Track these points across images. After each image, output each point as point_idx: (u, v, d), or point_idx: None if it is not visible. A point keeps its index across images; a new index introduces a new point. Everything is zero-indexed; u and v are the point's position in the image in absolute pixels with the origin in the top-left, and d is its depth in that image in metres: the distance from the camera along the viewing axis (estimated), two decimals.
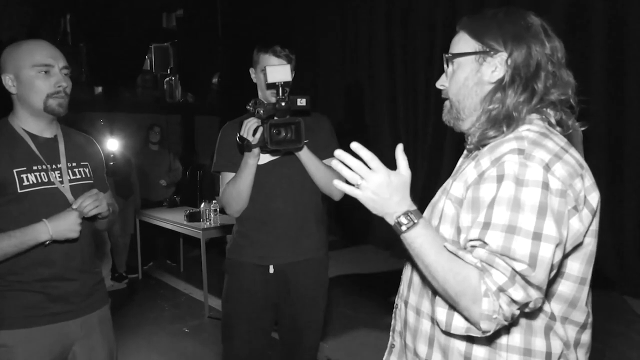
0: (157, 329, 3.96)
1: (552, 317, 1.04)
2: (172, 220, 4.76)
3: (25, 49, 1.59)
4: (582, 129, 1.12)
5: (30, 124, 1.63)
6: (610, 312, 3.78)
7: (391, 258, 5.59)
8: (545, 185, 0.93)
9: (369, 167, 1.00)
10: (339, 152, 1.02)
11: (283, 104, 1.85)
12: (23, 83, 1.57)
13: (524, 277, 0.91)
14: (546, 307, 1.03)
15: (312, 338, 2.19)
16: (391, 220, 1.01)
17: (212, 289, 4.27)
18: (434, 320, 1.09)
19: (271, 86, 1.91)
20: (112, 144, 5.15)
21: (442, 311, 1.01)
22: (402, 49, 5.90)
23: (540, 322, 1.03)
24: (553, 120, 1.07)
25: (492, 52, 1.07)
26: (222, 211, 5.61)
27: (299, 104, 1.89)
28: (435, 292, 1.03)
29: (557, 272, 1.00)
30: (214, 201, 4.63)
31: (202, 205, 4.57)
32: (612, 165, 4.30)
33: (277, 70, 1.87)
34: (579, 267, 1.05)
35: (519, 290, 0.91)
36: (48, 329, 1.59)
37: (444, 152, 5.34)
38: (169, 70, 8.40)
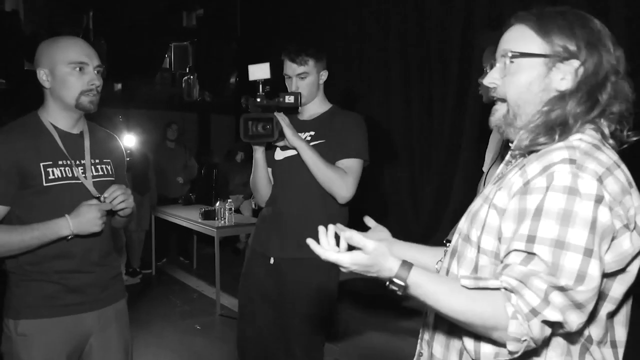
0: (169, 325, 4.00)
1: (589, 339, 0.98)
2: (187, 217, 4.80)
3: (62, 45, 1.62)
4: (635, 139, 1.03)
5: (59, 119, 1.65)
6: None
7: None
8: (599, 199, 0.87)
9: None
10: (321, 229, 1.03)
11: (259, 99, 2.00)
12: (57, 78, 1.60)
13: (568, 295, 0.85)
14: (585, 331, 0.97)
15: (299, 337, 2.13)
16: (388, 276, 0.96)
17: (224, 287, 4.30)
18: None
19: (252, 83, 2.03)
20: (129, 140, 5.20)
21: (469, 341, 0.97)
22: (416, 52, 5.85)
23: (577, 344, 0.97)
24: (607, 132, 0.99)
25: (565, 57, 0.97)
26: (237, 210, 5.64)
27: (287, 101, 2.01)
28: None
29: (599, 295, 0.93)
30: (229, 200, 4.66)
31: (217, 203, 4.60)
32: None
33: (257, 68, 1.98)
34: (622, 289, 0.98)
35: (555, 311, 0.85)
36: (65, 320, 1.61)
37: (459, 158, 5.29)
38: (187, 69, 8.46)
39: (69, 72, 1.60)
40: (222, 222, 4.48)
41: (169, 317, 4.19)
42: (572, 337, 0.96)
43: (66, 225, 1.54)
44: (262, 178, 2.19)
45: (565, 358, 0.97)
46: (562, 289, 0.86)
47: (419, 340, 1.23)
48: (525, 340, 0.86)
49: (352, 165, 2.07)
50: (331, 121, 2.14)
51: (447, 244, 1.18)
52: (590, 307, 0.88)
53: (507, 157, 1.10)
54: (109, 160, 1.76)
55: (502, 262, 0.95)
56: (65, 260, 1.61)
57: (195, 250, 5.72)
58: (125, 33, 7.21)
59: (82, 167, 1.66)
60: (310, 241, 1.01)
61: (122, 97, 7.62)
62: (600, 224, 0.87)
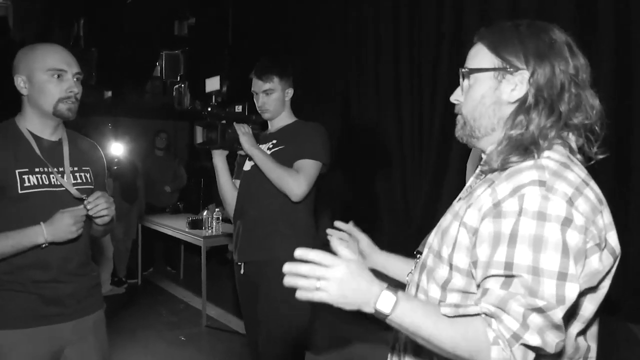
0: (154, 336, 3.94)
1: (561, 358, 0.97)
2: (174, 226, 4.76)
3: (39, 52, 1.60)
4: (602, 156, 1.01)
5: (36, 125, 1.63)
6: (614, 339, 3.72)
7: None
8: (568, 222, 0.86)
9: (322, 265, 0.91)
10: (286, 267, 0.92)
11: (209, 109, 2.19)
12: (35, 86, 1.58)
13: (546, 315, 0.84)
14: None
15: (278, 335, 2.15)
16: (370, 309, 0.91)
17: (210, 297, 4.25)
18: None
19: (208, 95, 2.27)
20: (118, 149, 5.17)
21: None
22: (409, 57, 5.88)
23: None
24: (574, 146, 0.99)
25: (512, 70, 0.99)
26: (225, 219, 5.62)
27: (236, 110, 2.24)
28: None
29: (571, 314, 0.93)
30: (216, 209, 4.62)
31: (205, 212, 4.57)
32: (618, 190, 4.25)
33: (210, 81, 2.24)
34: (592, 308, 0.98)
35: (534, 335, 0.84)
36: (41, 330, 1.58)
37: (449, 163, 5.29)
38: (178, 77, 8.45)
39: (47, 79, 1.58)
40: (210, 231, 4.45)
41: (155, 327, 4.13)
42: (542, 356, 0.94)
43: (40, 233, 1.52)
44: (224, 184, 2.32)
45: None
46: (540, 310, 0.85)
47: (390, 350, 1.21)
48: None
49: (305, 165, 2.16)
50: (293, 131, 2.29)
51: (418, 256, 1.17)
52: (563, 324, 0.87)
53: (477, 171, 1.10)
54: (88, 168, 1.74)
55: (478, 286, 0.93)
56: (42, 269, 1.58)
57: (182, 260, 5.67)
58: (116, 41, 7.19)
59: (60, 174, 1.63)
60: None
61: (112, 105, 7.58)
62: (571, 247, 0.86)
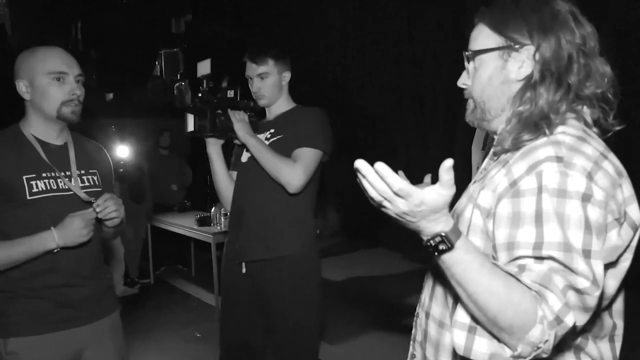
0: (169, 334, 3.96)
1: (585, 336, 0.96)
2: (183, 224, 4.77)
3: (40, 55, 1.59)
4: (619, 127, 0.98)
5: (41, 130, 1.62)
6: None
7: (403, 260, 5.56)
8: (587, 197, 0.84)
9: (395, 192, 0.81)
10: (360, 164, 0.81)
11: (201, 94, 2.07)
12: (37, 90, 1.57)
13: (582, 297, 0.82)
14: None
15: (290, 339, 2.09)
16: (424, 239, 0.86)
17: None
18: None
19: (200, 79, 2.11)
20: (123, 150, 5.16)
21: (460, 334, 0.89)
22: (409, 48, 5.85)
23: (571, 342, 0.94)
24: (589, 120, 0.96)
25: (517, 46, 0.96)
26: None
27: (228, 95, 2.09)
28: (457, 304, 0.91)
29: None
30: None
31: (213, 209, 4.57)
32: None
33: (201, 65, 2.08)
34: (615, 284, 0.95)
35: (571, 316, 0.81)
36: (57, 335, 1.58)
37: (453, 155, 5.29)
38: (178, 75, 8.42)
39: (49, 82, 1.57)
40: (219, 227, 4.45)
41: (169, 325, 4.15)
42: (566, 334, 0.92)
43: (51, 238, 1.51)
44: (218, 174, 2.21)
45: (561, 355, 0.94)
46: (579, 291, 0.82)
47: (411, 342, 1.20)
48: (540, 347, 0.81)
49: (303, 154, 2.02)
50: (292, 118, 2.14)
51: None
52: (596, 304, 0.85)
53: (491, 152, 1.08)
54: (95, 171, 1.73)
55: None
56: (54, 274, 1.58)
57: (193, 257, 5.68)
58: (114, 42, 7.17)
59: (68, 179, 1.62)
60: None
61: (115, 106, 7.58)
62: (592, 223, 0.84)
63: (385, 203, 0.83)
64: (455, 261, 0.83)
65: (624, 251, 0.93)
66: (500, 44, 0.98)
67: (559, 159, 0.87)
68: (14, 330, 1.54)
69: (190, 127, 2.07)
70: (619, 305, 1.01)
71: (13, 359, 1.53)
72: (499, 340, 0.85)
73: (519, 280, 0.83)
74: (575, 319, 0.82)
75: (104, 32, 7.22)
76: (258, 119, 2.21)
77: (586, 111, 0.97)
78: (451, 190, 0.81)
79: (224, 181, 2.21)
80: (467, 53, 1.04)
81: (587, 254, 0.83)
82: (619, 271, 0.95)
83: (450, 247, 0.83)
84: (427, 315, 1.10)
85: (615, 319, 1.01)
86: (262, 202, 2.08)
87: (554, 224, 0.83)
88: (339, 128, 6.44)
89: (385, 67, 6.12)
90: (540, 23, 0.95)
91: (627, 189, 0.92)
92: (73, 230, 1.53)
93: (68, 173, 1.63)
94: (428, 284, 1.14)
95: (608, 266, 0.92)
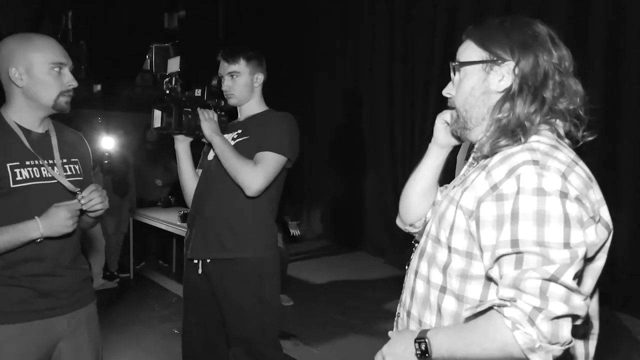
0: (147, 329, 3.94)
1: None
2: (166, 220, 4.75)
3: (39, 45, 1.57)
4: (590, 138, 1.08)
5: (26, 118, 1.60)
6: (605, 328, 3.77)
7: (385, 265, 5.58)
8: (564, 194, 0.92)
9: None
10: None
11: (169, 92, 2.09)
12: (35, 78, 1.55)
13: (560, 283, 0.88)
14: None
15: (246, 344, 2.10)
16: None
17: None
18: None
19: (168, 76, 2.13)
20: (108, 142, 5.13)
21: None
22: (402, 54, 5.90)
23: None
24: (562, 132, 1.05)
25: (499, 61, 1.06)
26: None
27: (196, 94, 2.12)
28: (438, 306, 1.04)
29: None
30: None
31: None
32: (606, 176, 4.30)
33: (172, 62, 2.11)
34: (591, 282, 1.03)
35: (558, 303, 0.87)
36: (36, 324, 1.57)
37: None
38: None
39: (49, 72, 1.56)
40: None
41: (147, 321, 4.13)
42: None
43: (35, 228, 1.50)
44: (184, 172, 2.22)
45: None
46: (554, 278, 0.88)
47: (399, 303, 1.26)
48: (539, 345, 0.86)
49: (265, 158, 2.02)
50: (261, 120, 2.15)
51: (416, 245, 1.20)
52: (577, 285, 0.90)
53: (470, 159, 1.16)
54: (77, 160, 1.72)
55: (489, 278, 0.98)
56: (36, 263, 1.57)
57: (174, 254, 5.65)
58: (106, 34, 7.12)
59: (51, 167, 1.62)
60: None
61: (102, 98, 7.52)
62: (572, 217, 0.91)
63: None
64: (437, 350, 0.98)
65: (599, 250, 1.00)
66: (484, 57, 1.08)
67: (535, 162, 0.95)
68: None
69: (157, 123, 2.08)
70: (594, 305, 1.07)
71: None
72: None
73: (481, 313, 0.94)
74: (570, 305, 0.87)
75: (95, 24, 7.16)
76: (228, 119, 2.23)
77: (559, 124, 1.05)
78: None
79: (190, 179, 2.22)
80: (453, 64, 1.13)
81: (567, 246, 0.90)
82: (595, 269, 1.02)
83: (427, 344, 0.99)
84: (409, 314, 1.17)
85: (591, 319, 1.06)
86: (221, 202, 2.08)
87: (529, 223, 0.91)
88: (324, 134, 6.49)
89: (378, 72, 6.16)
90: (521, 41, 1.04)
91: (597, 192, 1.01)
92: (58, 220, 1.52)
93: (51, 161, 1.62)
94: (408, 284, 1.20)
95: (586, 262, 0.98)
